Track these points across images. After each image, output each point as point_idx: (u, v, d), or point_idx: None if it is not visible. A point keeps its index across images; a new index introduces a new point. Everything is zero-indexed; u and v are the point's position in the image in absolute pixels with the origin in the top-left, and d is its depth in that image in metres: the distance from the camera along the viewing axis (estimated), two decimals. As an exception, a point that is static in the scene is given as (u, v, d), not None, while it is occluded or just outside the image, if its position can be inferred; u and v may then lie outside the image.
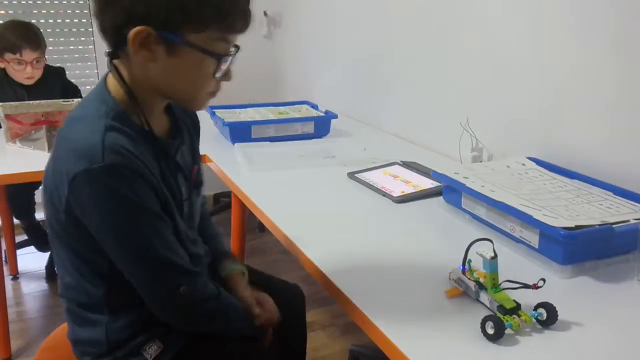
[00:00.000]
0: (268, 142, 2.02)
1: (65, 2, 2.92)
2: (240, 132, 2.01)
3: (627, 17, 1.33)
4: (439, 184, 1.48)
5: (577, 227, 1.09)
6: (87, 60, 3.03)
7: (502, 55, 1.70)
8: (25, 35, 2.26)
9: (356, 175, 1.66)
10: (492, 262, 0.95)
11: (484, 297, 0.97)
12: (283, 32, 3.20)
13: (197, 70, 0.96)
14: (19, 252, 2.69)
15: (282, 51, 3.24)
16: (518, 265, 1.14)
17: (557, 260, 1.10)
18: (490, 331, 0.88)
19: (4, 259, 2.57)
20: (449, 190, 1.41)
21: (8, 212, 2.51)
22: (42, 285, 2.62)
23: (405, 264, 1.15)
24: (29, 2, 2.86)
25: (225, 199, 3.32)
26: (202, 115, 2.16)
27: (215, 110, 2.18)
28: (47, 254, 2.71)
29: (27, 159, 1.85)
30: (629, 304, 1.02)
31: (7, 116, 1.95)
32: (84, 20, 3.00)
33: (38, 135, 1.96)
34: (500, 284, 0.96)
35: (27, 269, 2.73)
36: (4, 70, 2.33)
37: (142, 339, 1.05)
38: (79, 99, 2.20)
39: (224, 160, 1.85)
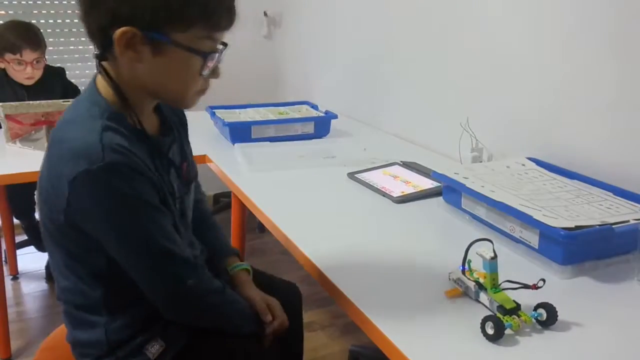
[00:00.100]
0: (268, 142, 2.01)
1: (65, 2, 2.92)
2: (240, 133, 2.01)
3: (626, 17, 1.33)
4: (439, 184, 1.48)
5: (577, 228, 1.09)
6: (87, 60, 3.01)
7: (502, 55, 1.70)
8: (25, 36, 2.26)
9: (356, 175, 1.66)
10: (492, 263, 0.95)
11: (483, 297, 0.97)
12: (283, 32, 3.19)
13: (184, 69, 0.96)
14: (18, 252, 2.68)
15: (282, 51, 3.24)
16: (518, 265, 1.14)
17: (557, 261, 1.10)
18: (490, 331, 0.88)
19: (4, 259, 2.57)
20: (449, 191, 1.41)
21: (8, 212, 2.52)
22: (42, 285, 2.61)
23: (405, 264, 1.15)
24: (29, 2, 2.85)
25: (225, 199, 3.32)
26: (202, 116, 2.19)
27: (215, 111, 2.17)
28: (47, 254, 2.70)
29: (27, 159, 1.85)
30: (629, 304, 1.02)
31: (7, 116, 1.95)
32: (84, 21, 3.00)
33: (38, 136, 1.96)
34: (500, 284, 0.96)
35: (27, 269, 2.73)
36: (4, 70, 2.33)
37: (143, 338, 1.05)
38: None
39: (224, 160, 1.84)
